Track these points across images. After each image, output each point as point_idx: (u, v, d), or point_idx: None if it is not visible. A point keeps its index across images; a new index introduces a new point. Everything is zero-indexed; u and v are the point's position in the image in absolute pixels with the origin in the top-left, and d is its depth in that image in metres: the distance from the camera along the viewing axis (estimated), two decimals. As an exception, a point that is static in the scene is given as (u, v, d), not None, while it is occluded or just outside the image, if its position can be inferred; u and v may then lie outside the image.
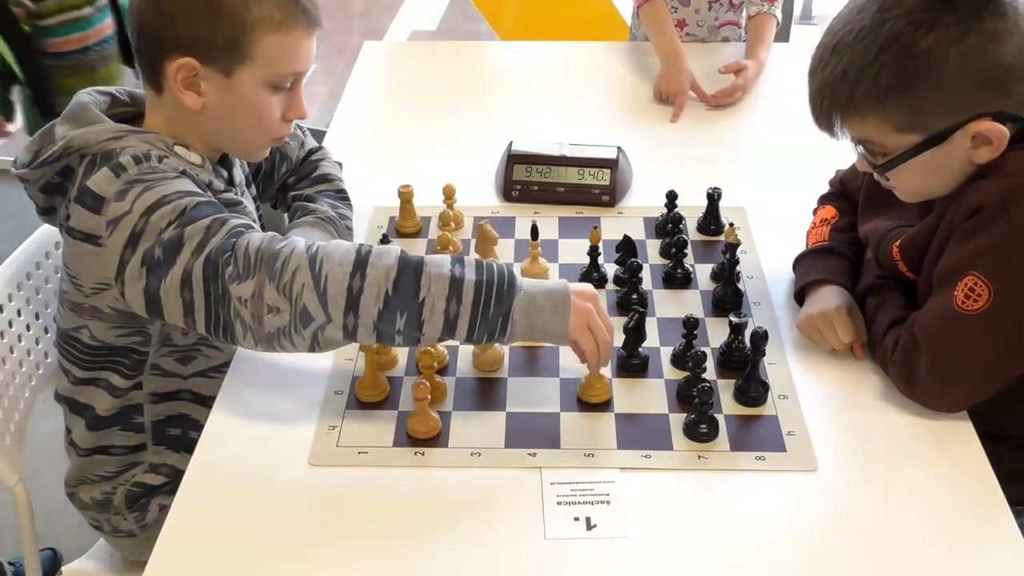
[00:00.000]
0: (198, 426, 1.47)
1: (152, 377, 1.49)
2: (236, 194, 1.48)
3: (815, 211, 1.64)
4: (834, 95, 1.30)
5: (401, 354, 1.45)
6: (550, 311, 1.24)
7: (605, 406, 1.36)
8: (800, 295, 1.51)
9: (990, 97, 1.25)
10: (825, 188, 1.67)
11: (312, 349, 1.25)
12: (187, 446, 1.50)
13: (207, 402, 1.47)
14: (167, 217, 1.28)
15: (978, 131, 1.26)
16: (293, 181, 1.72)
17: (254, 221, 1.50)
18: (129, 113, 1.47)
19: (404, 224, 1.74)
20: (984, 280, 1.27)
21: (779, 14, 2.34)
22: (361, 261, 1.21)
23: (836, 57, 1.29)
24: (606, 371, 1.40)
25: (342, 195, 1.70)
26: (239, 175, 1.54)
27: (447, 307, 1.21)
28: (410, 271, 1.21)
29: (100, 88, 1.47)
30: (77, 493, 1.57)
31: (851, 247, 1.54)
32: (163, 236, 1.27)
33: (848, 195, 1.61)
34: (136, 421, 1.51)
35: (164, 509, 1.50)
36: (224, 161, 1.50)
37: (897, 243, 1.41)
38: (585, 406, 1.36)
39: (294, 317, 1.21)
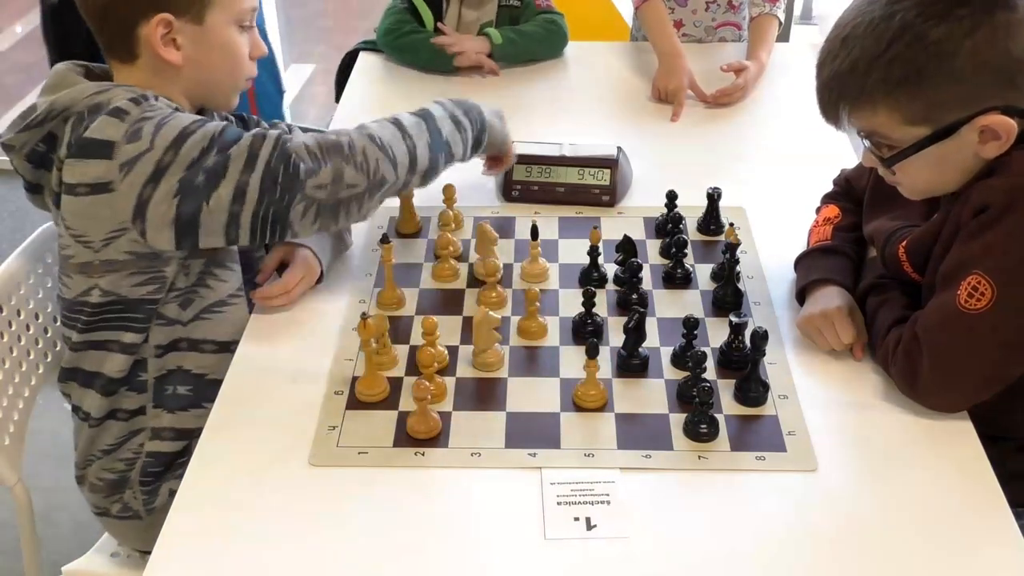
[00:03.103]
0: (190, 378, 1.50)
1: (157, 328, 1.49)
2: None
3: (818, 209, 1.64)
4: (843, 86, 1.30)
5: (401, 354, 1.45)
6: (499, 121, 1.68)
7: (603, 408, 1.36)
8: (801, 294, 1.51)
9: (1000, 90, 1.25)
10: (825, 188, 1.67)
11: (368, 214, 1.47)
12: (180, 404, 1.53)
13: (200, 347, 1.51)
14: (199, 145, 1.35)
15: (986, 125, 1.25)
16: None
17: None
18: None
19: (404, 224, 1.74)
20: (988, 279, 1.27)
21: (782, 15, 2.34)
22: (404, 131, 1.50)
23: (846, 49, 1.29)
24: (605, 373, 1.41)
25: None
26: None
27: (455, 134, 1.57)
28: (433, 123, 1.54)
29: (76, 61, 1.50)
30: (87, 475, 1.57)
31: (854, 247, 1.54)
32: (205, 163, 1.34)
33: (852, 194, 1.61)
34: (140, 379, 1.52)
35: (173, 495, 1.50)
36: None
37: (903, 244, 1.40)
38: (582, 408, 1.36)
39: (370, 187, 1.43)
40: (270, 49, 2.55)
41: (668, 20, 2.33)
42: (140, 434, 1.55)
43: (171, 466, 1.55)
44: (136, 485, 1.54)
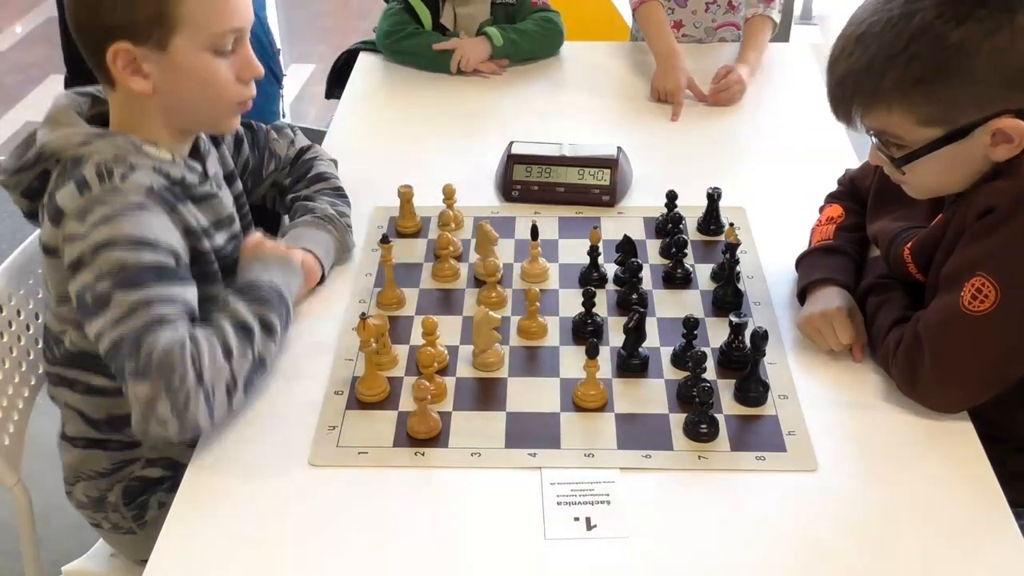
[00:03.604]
0: None
1: None
2: (211, 187, 1.47)
3: (821, 209, 1.64)
4: (858, 85, 1.29)
5: (401, 354, 1.45)
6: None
7: (603, 408, 1.36)
8: (802, 294, 1.51)
9: (1016, 94, 1.24)
10: (825, 188, 1.67)
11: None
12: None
13: None
14: (108, 265, 1.27)
15: (1000, 128, 1.25)
16: (289, 183, 1.71)
17: (231, 217, 1.49)
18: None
19: (404, 224, 1.74)
20: (992, 281, 1.27)
21: (776, 16, 2.34)
22: (245, 374, 1.31)
23: (861, 47, 1.28)
24: (606, 373, 1.41)
25: (339, 193, 1.70)
26: (214, 167, 1.52)
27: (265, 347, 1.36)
28: (255, 362, 1.33)
29: (80, 89, 1.46)
30: (74, 492, 1.57)
31: (856, 247, 1.54)
32: (97, 286, 1.27)
33: (856, 194, 1.60)
34: (126, 440, 1.51)
35: (164, 507, 1.50)
36: (197, 155, 1.49)
37: (908, 245, 1.40)
38: (582, 408, 1.36)
39: (180, 431, 1.25)
40: (267, 34, 2.54)
41: (666, 21, 2.34)
42: (134, 464, 1.54)
43: (154, 488, 1.55)
44: (122, 507, 1.54)
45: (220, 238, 1.46)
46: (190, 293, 1.34)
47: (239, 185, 1.63)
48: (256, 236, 1.50)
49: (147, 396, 1.23)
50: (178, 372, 1.23)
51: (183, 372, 1.23)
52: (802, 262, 1.55)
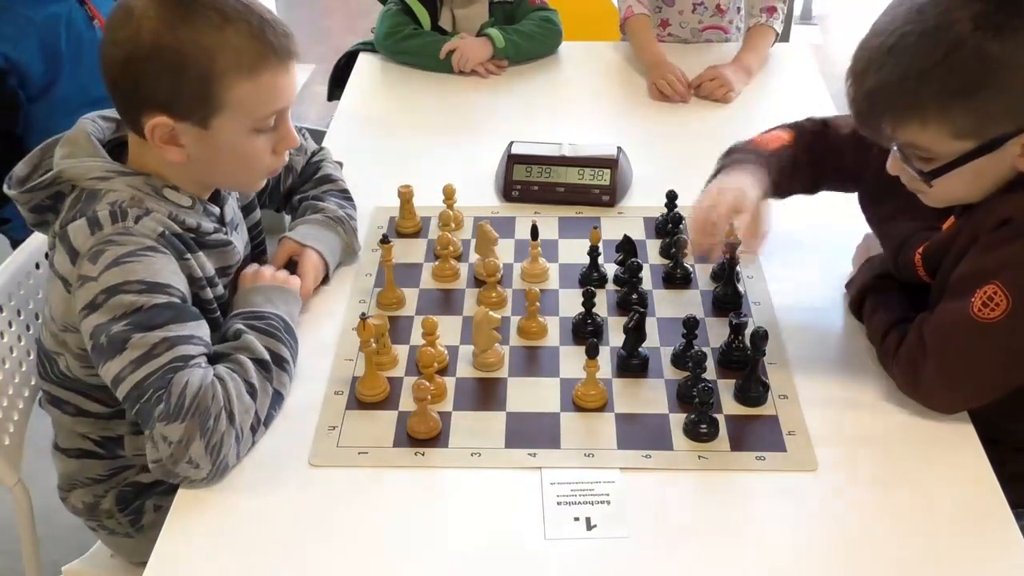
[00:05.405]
0: None
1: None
2: (226, 233, 1.46)
3: (770, 130, 1.61)
4: (890, 98, 1.25)
5: (401, 354, 1.45)
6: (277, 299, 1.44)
7: (603, 407, 1.36)
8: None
9: None
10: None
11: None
12: None
13: None
14: (122, 308, 1.26)
15: None
16: (296, 184, 1.71)
17: (237, 261, 1.47)
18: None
19: (404, 224, 1.74)
20: (1005, 291, 1.26)
21: (778, 27, 2.35)
22: (267, 410, 1.31)
23: (893, 59, 1.23)
24: (606, 373, 1.41)
25: (346, 195, 1.70)
26: (231, 213, 1.50)
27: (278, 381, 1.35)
28: (271, 393, 1.33)
29: (104, 113, 1.43)
30: (69, 498, 1.56)
31: (779, 176, 1.53)
32: (112, 328, 1.26)
33: (815, 145, 1.57)
34: (119, 454, 1.51)
35: (160, 509, 1.50)
36: (217, 198, 1.47)
37: (920, 250, 1.39)
38: (582, 408, 1.36)
39: (211, 474, 1.24)
40: None
41: (652, 34, 2.37)
42: (130, 469, 1.53)
43: (148, 492, 1.53)
44: (116, 513, 1.53)
45: (223, 286, 1.45)
46: (204, 330, 1.32)
47: (257, 213, 1.62)
48: (253, 267, 1.49)
49: (180, 437, 1.21)
50: (212, 412, 1.22)
51: (217, 412, 1.23)
52: (729, 155, 1.56)
